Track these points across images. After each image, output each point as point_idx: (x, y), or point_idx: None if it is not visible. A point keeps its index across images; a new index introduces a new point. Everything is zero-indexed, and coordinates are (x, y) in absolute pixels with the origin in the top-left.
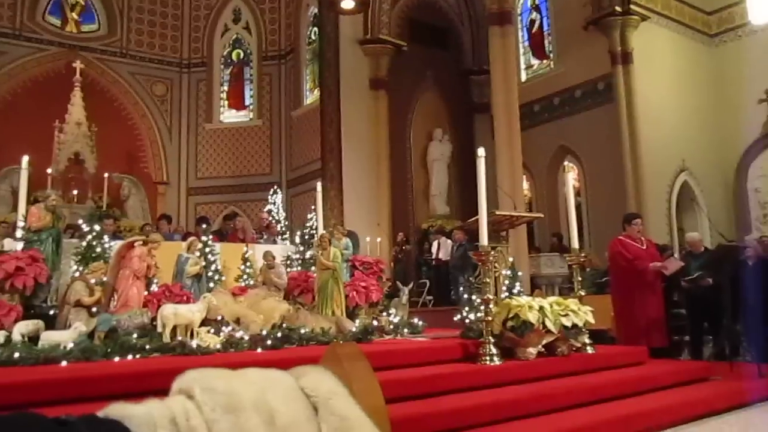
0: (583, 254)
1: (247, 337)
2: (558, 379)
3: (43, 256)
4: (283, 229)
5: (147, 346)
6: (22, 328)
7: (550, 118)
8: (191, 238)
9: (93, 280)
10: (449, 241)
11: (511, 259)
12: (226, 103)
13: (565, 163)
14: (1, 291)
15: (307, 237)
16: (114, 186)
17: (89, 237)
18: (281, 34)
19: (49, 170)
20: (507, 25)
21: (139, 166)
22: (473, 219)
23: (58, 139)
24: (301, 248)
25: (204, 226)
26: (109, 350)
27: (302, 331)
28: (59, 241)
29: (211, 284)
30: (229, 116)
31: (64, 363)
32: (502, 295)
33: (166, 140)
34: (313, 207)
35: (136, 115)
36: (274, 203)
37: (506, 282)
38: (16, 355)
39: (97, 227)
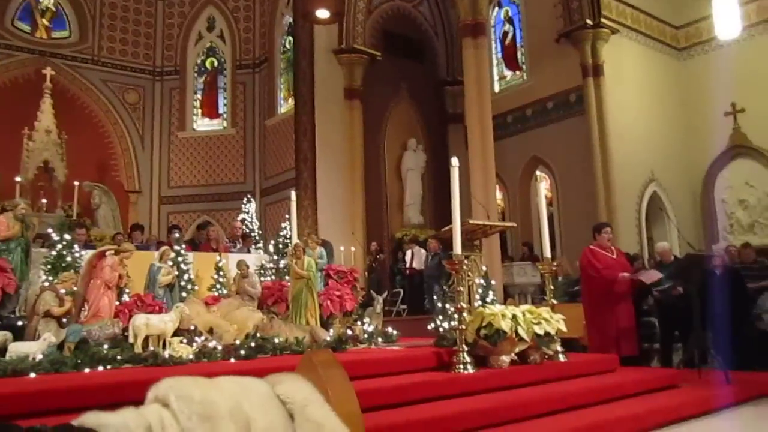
0: (555, 262)
1: (220, 347)
2: (531, 387)
3: (11, 266)
4: (257, 238)
5: (118, 357)
6: None
7: (522, 128)
8: (164, 247)
9: (63, 291)
10: (423, 250)
11: (484, 268)
12: (200, 111)
13: (537, 173)
14: None
15: (281, 246)
16: (84, 195)
17: (59, 246)
18: (255, 42)
19: (17, 178)
20: (480, 37)
21: (111, 175)
22: (447, 228)
23: (27, 147)
24: (275, 257)
25: (177, 235)
26: (79, 362)
27: (276, 340)
28: (28, 250)
29: (184, 294)
30: (203, 125)
31: (32, 375)
32: (476, 304)
33: (138, 149)
34: (287, 216)
35: (107, 123)
36: (248, 212)
37: (479, 291)
38: None
39: (67, 236)
